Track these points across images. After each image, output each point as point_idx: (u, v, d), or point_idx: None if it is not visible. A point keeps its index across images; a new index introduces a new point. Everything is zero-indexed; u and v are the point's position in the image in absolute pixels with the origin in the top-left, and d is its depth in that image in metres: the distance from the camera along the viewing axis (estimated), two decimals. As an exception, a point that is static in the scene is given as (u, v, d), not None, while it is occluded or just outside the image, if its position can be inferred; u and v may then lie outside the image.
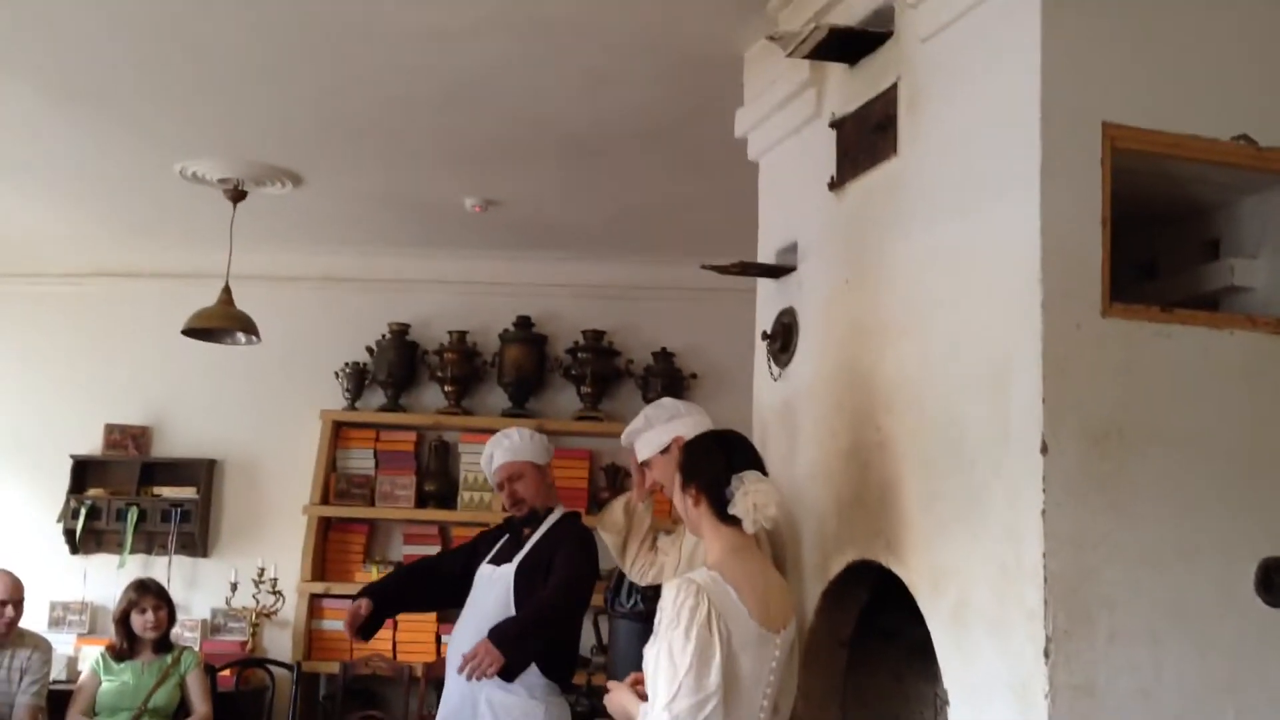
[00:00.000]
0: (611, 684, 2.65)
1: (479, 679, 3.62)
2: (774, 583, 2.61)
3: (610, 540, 3.49)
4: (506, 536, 4.06)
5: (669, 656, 2.35)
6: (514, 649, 3.64)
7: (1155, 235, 2.87)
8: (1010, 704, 2.24)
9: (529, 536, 3.96)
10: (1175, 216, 2.83)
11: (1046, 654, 2.17)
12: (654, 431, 3.28)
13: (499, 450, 4.01)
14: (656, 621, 2.45)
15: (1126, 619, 2.22)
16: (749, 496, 2.49)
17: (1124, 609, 2.22)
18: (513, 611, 3.79)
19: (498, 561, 3.97)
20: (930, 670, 2.53)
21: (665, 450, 3.25)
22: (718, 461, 2.59)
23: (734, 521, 2.53)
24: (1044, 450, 2.22)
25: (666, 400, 3.42)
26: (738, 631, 2.40)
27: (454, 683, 3.86)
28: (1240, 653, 2.28)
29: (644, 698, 2.46)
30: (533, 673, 3.78)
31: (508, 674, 3.68)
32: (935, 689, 2.53)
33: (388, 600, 4.06)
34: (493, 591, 3.88)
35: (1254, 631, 2.29)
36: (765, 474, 2.59)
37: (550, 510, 4.02)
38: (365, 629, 3.96)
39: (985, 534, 2.36)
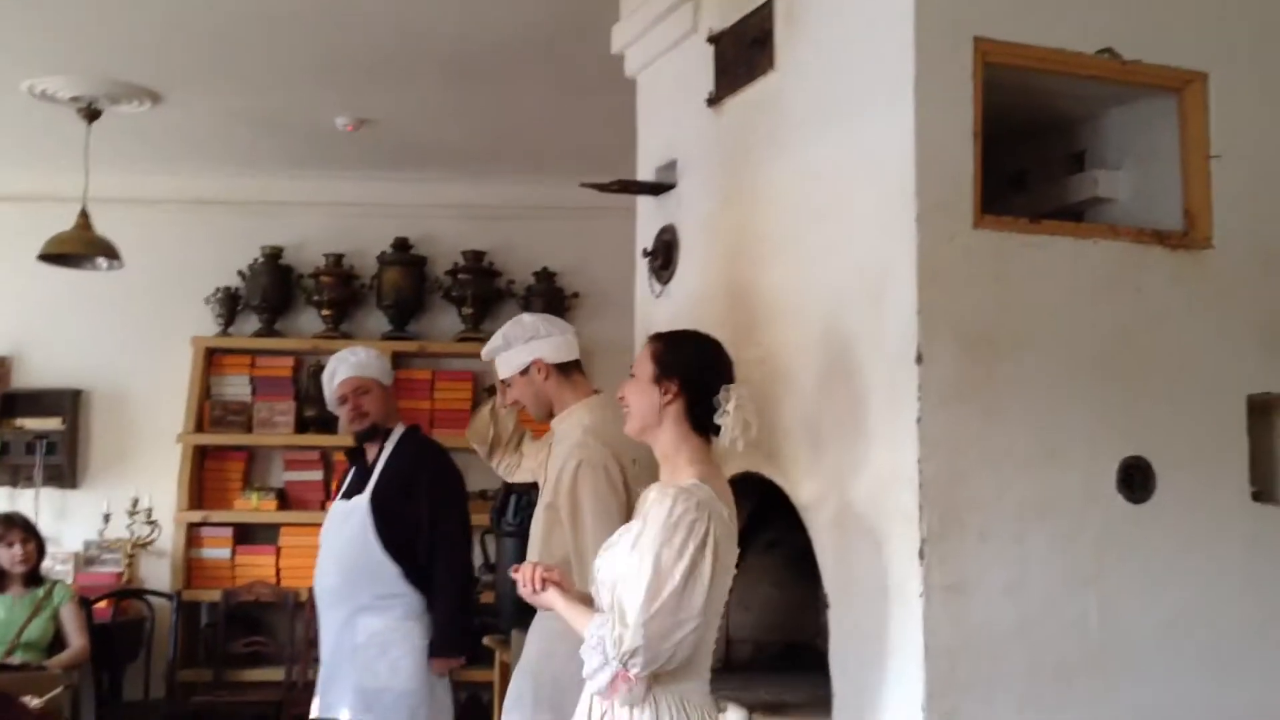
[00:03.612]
0: (525, 570, 2.40)
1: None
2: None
3: (479, 449, 3.56)
4: (353, 470, 4.01)
5: (655, 569, 2.13)
6: (461, 641, 3.87)
7: (1024, 148, 2.94)
8: (887, 604, 2.33)
9: (375, 463, 3.93)
10: (1043, 130, 2.90)
11: (921, 555, 2.25)
12: (513, 351, 3.24)
13: (343, 365, 3.95)
14: (638, 528, 2.25)
15: (995, 519, 2.32)
16: (742, 411, 2.27)
17: (993, 509, 2.32)
18: (374, 545, 3.78)
19: (349, 495, 3.93)
20: (811, 575, 2.60)
21: (525, 371, 3.23)
22: (708, 363, 2.36)
23: (703, 431, 2.33)
24: (919, 360, 2.28)
25: (526, 317, 3.34)
26: (726, 553, 2.22)
27: (328, 618, 3.89)
28: (1102, 547, 2.39)
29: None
30: (407, 593, 3.79)
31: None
32: (816, 592, 2.61)
33: None
34: (347, 527, 3.86)
35: (1115, 526, 2.41)
36: None
37: (391, 429, 3.97)
38: None
39: (864, 443, 2.42)
